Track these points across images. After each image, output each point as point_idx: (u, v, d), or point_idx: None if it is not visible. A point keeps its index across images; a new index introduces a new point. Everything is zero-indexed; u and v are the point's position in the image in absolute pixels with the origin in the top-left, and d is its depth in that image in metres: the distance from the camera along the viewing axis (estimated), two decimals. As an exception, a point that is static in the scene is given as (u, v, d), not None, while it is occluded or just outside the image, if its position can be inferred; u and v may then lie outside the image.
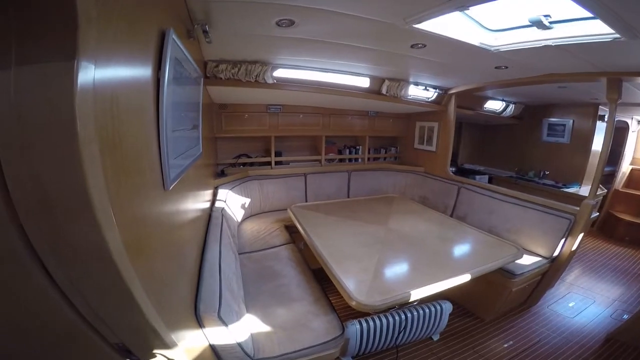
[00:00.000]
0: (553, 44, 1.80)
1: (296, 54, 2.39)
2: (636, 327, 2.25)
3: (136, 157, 0.79)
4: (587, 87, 3.07)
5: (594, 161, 4.10)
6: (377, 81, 3.20)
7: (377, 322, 1.86)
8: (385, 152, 4.62)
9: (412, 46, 2.08)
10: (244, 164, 3.71)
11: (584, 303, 2.93)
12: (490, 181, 4.72)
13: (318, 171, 3.92)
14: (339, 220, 2.80)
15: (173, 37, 1.00)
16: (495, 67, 2.51)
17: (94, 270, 0.62)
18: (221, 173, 3.44)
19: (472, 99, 4.02)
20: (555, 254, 2.58)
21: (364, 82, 3.19)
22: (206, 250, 1.74)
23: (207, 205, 2.44)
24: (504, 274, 2.34)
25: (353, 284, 1.74)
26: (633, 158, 5.00)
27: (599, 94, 3.29)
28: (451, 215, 3.54)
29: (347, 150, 4.34)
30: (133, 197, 0.75)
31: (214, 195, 2.88)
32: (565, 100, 4.10)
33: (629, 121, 4.65)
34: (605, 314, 2.75)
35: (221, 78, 2.53)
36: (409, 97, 3.50)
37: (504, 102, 4.34)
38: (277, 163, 3.78)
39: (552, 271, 2.64)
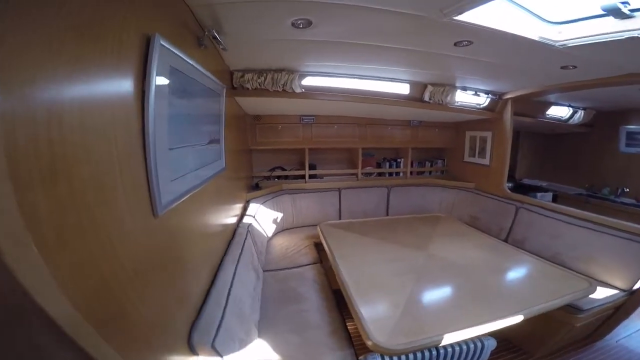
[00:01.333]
0: None
1: (322, 59, 2.22)
2: None
3: (99, 186, 0.64)
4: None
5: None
6: (418, 87, 2.91)
7: (409, 357, 1.56)
8: (431, 166, 4.24)
9: (455, 44, 1.80)
10: (279, 177, 3.60)
11: None
12: (554, 200, 4.12)
13: (354, 186, 3.68)
14: (372, 242, 2.53)
15: (162, 44, 0.86)
16: (561, 67, 2.12)
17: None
18: (255, 186, 3.36)
19: (532, 104, 3.54)
20: (637, 286, 2.09)
21: (404, 89, 2.92)
22: (220, 271, 1.62)
23: (234, 220, 2.34)
24: (567, 308, 1.92)
25: (374, 321, 1.50)
26: None
27: None
28: (506, 239, 3.08)
29: (387, 164, 4.04)
30: (88, 237, 0.60)
31: (245, 209, 2.78)
32: None
33: None
34: None
35: (248, 88, 2.44)
36: (456, 104, 3.15)
37: (570, 109, 3.78)
38: (311, 176, 3.62)
39: (630, 304, 2.15)
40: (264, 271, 2.40)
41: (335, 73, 2.57)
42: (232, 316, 1.37)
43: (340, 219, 3.52)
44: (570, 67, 2.09)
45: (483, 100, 3.24)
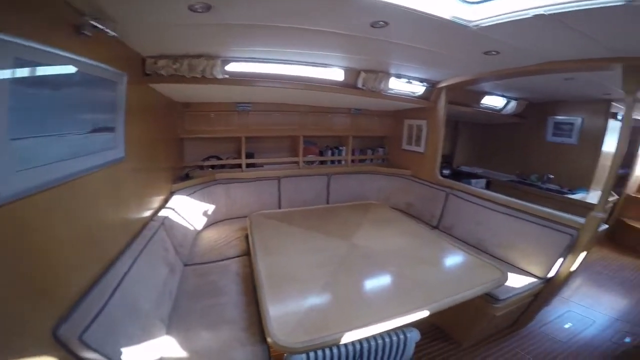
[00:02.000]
0: (546, 12, 1.42)
1: (245, 44, 2.08)
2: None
3: None
4: (599, 79, 2.67)
5: (604, 164, 3.67)
6: (352, 73, 2.84)
7: (325, 353, 1.52)
8: (373, 154, 4.26)
9: (372, 25, 1.72)
10: (213, 167, 3.42)
11: (582, 324, 2.56)
12: (488, 186, 4.32)
13: (294, 174, 3.59)
14: (300, 232, 2.46)
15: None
16: (484, 53, 2.12)
17: None
18: (185, 177, 3.15)
19: (468, 94, 3.63)
20: (551, 274, 2.20)
21: (339, 75, 2.84)
22: (112, 266, 1.49)
23: (146, 213, 2.17)
24: (486, 297, 1.98)
25: (279, 317, 1.43)
26: (649, 161, 4.51)
27: (612, 88, 2.87)
28: (437, 226, 3.18)
29: (329, 152, 4.00)
30: None
31: (166, 201, 2.59)
32: (573, 96, 3.66)
33: (644, 119, 4.17)
34: (605, 337, 2.39)
35: (163, 75, 2.24)
36: (391, 92, 3.14)
37: (504, 99, 3.92)
38: (249, 165, 3.48)
39: (546, 292, 2.28)
40: (186, 265, 2.29)
41: (264, 59, 2.43)
42: (118, 310, 1.30)
43: (280, 208, 3.43)
44: (493, 52, 2.08)
45: (419, 88, 3.26)
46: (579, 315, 2.68)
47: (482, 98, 3.76)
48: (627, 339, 2.35)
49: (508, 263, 2.44)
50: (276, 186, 3.48)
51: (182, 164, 3.27)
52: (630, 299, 2.99)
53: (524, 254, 2.37)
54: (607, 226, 2.31)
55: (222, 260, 2.43)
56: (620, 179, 4.56)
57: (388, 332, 1.53)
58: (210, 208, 3.08)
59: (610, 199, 3.57)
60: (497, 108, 4.03)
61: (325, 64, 2.66)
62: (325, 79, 2.84)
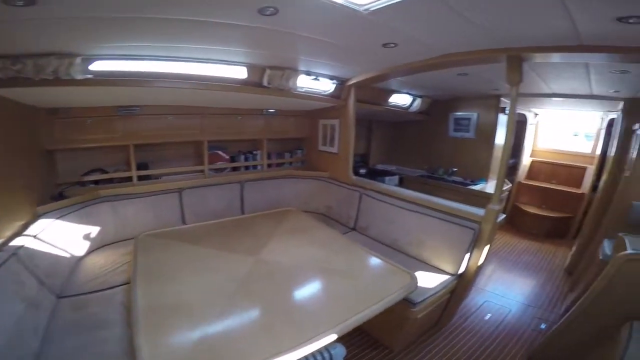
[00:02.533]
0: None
1: (112, 39, 1.76)
2: (555, 344, 2.03)
3: None
4: (489, 75, 2.85)
5: (497, 155, 4.02)
6: (256, 70, 2.60)
7: None
8: (291, 156, 4.10)
9: (260, 12, 1.50)
10: (97, 182, 2.89)
11: (500, 313, 2.71)
12: (401, 182, 4.47)
13: (200, 185, 3.23)
14: (199, 251, 2.16)
15: None
16: (383, 45, 2.05)
17: None
18: (59, 196, 2.59)
19: (376, 92, 3.68)
20: (462, 270, 2.26)
21: (241, 73, 2.59)
22: None
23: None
24: (404, 302, 1.91)
25: (156, 356, 1.18)
26: (532, 150, 5.14)
27: (500, 83, 3.10)
28: (354, 227, 3.13)
29: (242, 157, 3.71)
30: None
31: (25, 227, 2.07)
32: (469, 92, 3.94)
33: (527, 114, 4.73)
34: (523, 325, 2.55)
35: (1, 78, 1.77)
36: (300, 90, 2.99)
37: (410, 96, 4.08)
38: (143, 178, 3.02)
39: (461, 288, 2.33)
40: (60, 297, 1.91)
41: (142, 55, 2.07)
42: None
43: (185, 223, 3.04)
44: (392, 44, 2.02)
45: (329, 86, 3.17)
46: (496, 305, 2.83)
47: (390, 96, 3.85)
48: (543, 326, 2.53)
49: (422, 261, 2.46)
50: (177, 199, 3.08)
51: (55, 180, 2.70)
52: (535, 283, 3.28)
53: (435, 252, 2.40)
54: (504, 215, 2.46)
55: (106, 289, 2.02)
56: (511, 168, 5.13)
57: (313, 353, 1.34)
58: (94, 230, 2.58)
59: (505, 187, 3.94)
60: (405, 106, 4.18)
61: (227, 61, 2.40)
62: (227, 78, 2.57)
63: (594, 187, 4.18)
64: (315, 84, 3.02)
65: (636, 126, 2.67)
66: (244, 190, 3.47)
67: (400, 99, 4.04)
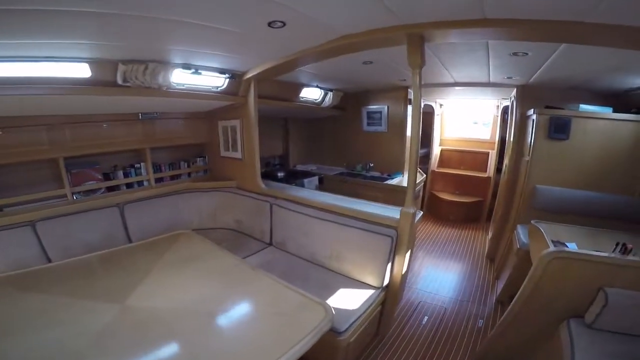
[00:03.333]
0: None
1: None
2: (498, 345, 1.89)
3: None
4: (394, 62, 2.62)
5: (410, 147, 3.97)
6: (105, 67, 1.96)
7: None
8: (189, 166, 3.41)
9: None
10: None
11: (437, 314, 2.55)
12: (321, 182, 4.14)
13: (61, 213, 2.39)
14: (47, 301, 1.46)
15: None
16: (269, 24, 1.61)
17: None
18: None
19: (284, 86, 3.25)
20: (386, 281, 1.99)
21: (83, 71, 1.90)
22: None
23: None
24: (328, 332, 1.50)
25: None
26: (441, 139, 5.32)
27: (406, 73, 2.92)
28: (270, 243, 2.66)
29: (120, 173, 2.92)
30: None
31: None
32: (378, 84, 3.74)
33: (433, 104, 4.82)
34: (461, 324, 2.41)
35: None
36: (180, 87, 2.39)
37: (321, 90, 3.74)
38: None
39: (390, 299, 2.07)
40: None
41: None
42: None
43: (50, 261, 2.19)
44: (279, 23, 1.59)
45: (220, 81, 2.63)
46: (430, 304, 2.66)
47: (301, 91, 3.46)
48: (480, 322, 2.41)
49: (344, 275, 2.15)
50: (32, 234, 2.21)
51: None
52: (463, 275, 3.23)
53: (356, 265, 2.09)
54: (421, 213, 2.26)
55: None
56: (424, 158, 5.22)
57: None
58: None
59: (420, 179, 3.90)
60: (317, 101, 3.85)
61: (66, 58, 1.79)
62: (61, 78, 1.87)
63: (498, 170, 4.42)
64: (198, 79, 2.47)
65: (530, 112, 2.73)
66: (125, 214, 2.71)
67: (311, 94, 3.69)
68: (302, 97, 3.59)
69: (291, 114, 4.31)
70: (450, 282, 3.11)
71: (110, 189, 2.85)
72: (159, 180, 3.12)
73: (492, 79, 3.01)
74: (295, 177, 4.00)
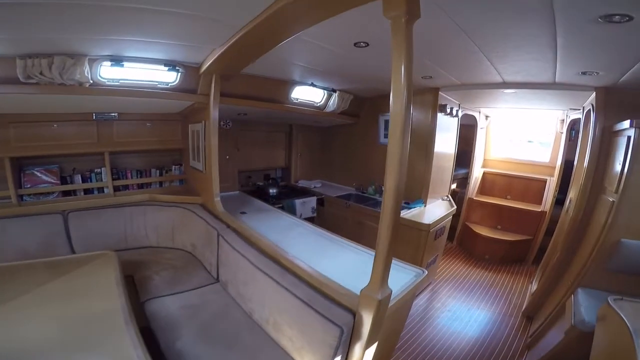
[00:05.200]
0: None
1: None
2: None
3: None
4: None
5: (439, 166, 3.12)
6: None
7: None
8: (161, 174, 2.95)
9: None
10: None
11: None
12: (321, 204, 3.44)
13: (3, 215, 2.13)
14: None
15: None
16: None
17: None
18: None
19: (268, 84, 2.64)
20: None
21: None
22: None
23: None
24: None
25: None
26: (484, 160, 4.30)
27: (429, 65, 2.14)
28: (217, 279, 2.07)
29: (78, 178, 2.54)
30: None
31: None
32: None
33: (476, 115, 3.87)
34: None
35: None
36: (109, 83, 1.93)
37: (323, 91, 3.06)
38: None
39: None
40: None
41: None
42: None
43: None
44: None
45: (168, 76, 2.13)
46: None
47: (291, 90, 2.81)
48: None
49: (282, 349, 1.46)
50: None
51: None
52: (485, 330, 2.49)
53: (295, 345, 1.38)
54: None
55: None
56: (462, 181, 4.25)
57: None
58: None
59: (447, 211, 3.01)
60: (318, 104, 3.17)
61: None
62: None
63: (558, 202, 3.39)
64: (140, 74, 2.03)
65: (621, 125, 1.78)
66: (69, 223, 2.34)
67: (309, 94, 3.02)
68: (296, 99, 2.95)
69: (296, 120, 3.68)
70: (468, 338, 2.40)
71: (66, 193, 2.52)
72: (122, 187, 2.73)
73: (558, 77, 2.07)
74: (290, 196, 3.37)
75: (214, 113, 2.17)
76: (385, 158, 2.83)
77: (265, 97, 2.69)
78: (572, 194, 2.65)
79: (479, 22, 1.36)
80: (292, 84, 2.77)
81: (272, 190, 3.36)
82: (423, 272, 1.59)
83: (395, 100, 0.98)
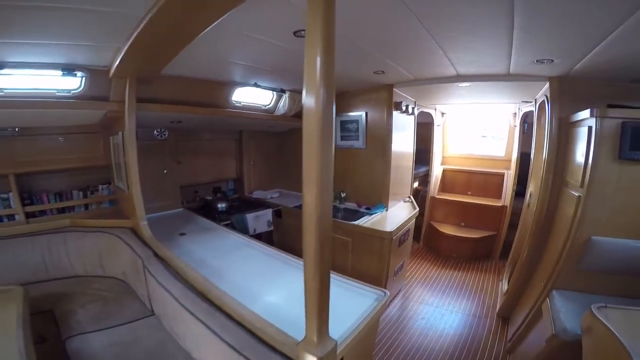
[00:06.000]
0: None
1: None
2: None
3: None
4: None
5: (397, 167, 2.94)
6: None
7: None
8: (85, 196, 2.50)
9: None
10: None
11: None
12: (279, 216, 3.15)
13: None
14: None
15: None
16: None
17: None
18: None
19: (204, 87, 2.32)
20: None
21: None
22: None
23: None
24: None
25: None
26: (443, 157, 4.24)
27: (378, 57, 1.93)
28: (152, 311, 1.74)
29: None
30: None
31: None
32: (351, 81, 2.68)
33: (432, 112, 3.78)
34: None
35: None
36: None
37: (272, 92, 2.79)
38: None
39: None
40: None
41: None
42: None
43: None
44: None
45: (76, 83, 1.77)
46: None
47: (232, 92, 2.51)
48: None
49: None
50: None
51: None
52: (461, 334, 2.36)
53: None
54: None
55: None
56: (423, 178, 4.16)
57: None
58: None
59: (408, 215, 2.84)
60: (267, 106, 2.89)
61: None
62: None
63: (517, 195, 3.39)
64: (27, 80, 1.70)
65: (581, 115, 1.67)
66: None
67: (255, 96, 2.74)
68: (238, 102, 2.65)
69: (246, 126, 3.35)
70: (447, 345, 2.28)
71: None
72: (43, 213, 2.32)
73: (513, 67, 1.96)
74: (242, 209, 3.04)
75: (129, 122, 1.84)
76: (342, 163, 2.56)
77: (202, 102, 2.38)
78: (532, 188, 2.59)
79: (430, 1, 1.16)
80: (232, 85, 2.47)
81: (221, 205, 3.02)
82: (385, 293, 1.37)
83: (309, 97, 0.73)
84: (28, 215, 2.24)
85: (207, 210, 3.02)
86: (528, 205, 2.66)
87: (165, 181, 2.84)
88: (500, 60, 1.85)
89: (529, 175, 2.74)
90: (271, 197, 3.48)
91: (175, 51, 1.49)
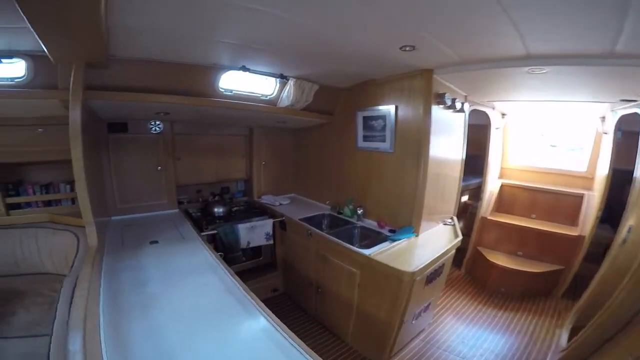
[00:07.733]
0: None
1: None
2: None
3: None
4: None
5: (434, 179, 2.31)
6: None
7: None
8: (73, 190, 2.31)
9: None
10: None
11: None
12: (283, 228, 2.70)
13: None
14: None
15: None
16: None
17: None
18: None
19: (182, 72, 1.94)
20: None
21: None
22: None
23: None
24: None
25: None
26: (501, 169, 3.42)
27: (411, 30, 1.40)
28: None
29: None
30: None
31: None
32: (375, 63, 2.02)
33: (489, 112, 3.01)
34: None
35: None
36: None
37: (275, 80, 2.35)
38: None
39: None
40: None
41: None
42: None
43: None
44: None
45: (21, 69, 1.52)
46: None
47: (217, 78, 2.10)
48: None
49: None
50: None
51: None
52: None
53: None
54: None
55: None
56: (474, 191, 3.41)
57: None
58: None
59: (451, 244, 2.17)
60: (269, 97, 2.45)
61: None
62: None
63: (602, 221, 2.58)
64: None
65: None
66: None
67: (252, 84, 2.31)
68: (229, 90, 2.23)
69: (253, 121, 2.93)
70: None
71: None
72: (28, 205, 2.20)
73: (624, 44, 1.26)
74: (241, 217, 2.65)
75: (73, 114, 1.52)
76: (366, 166, 2.02)
77: (182, 90, 1.99)
78: (633, 220, 1.80)
79: None
80: (217, 70, 2.06)
81: (218, 210, 2.65)
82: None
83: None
84: (13, 207, 2.11)
85: (205, 214, 2.68)
86: (624, 242, 1.86)
87: (159, 179, 2.55)
88: (604, 30, 1.16)
89: (628, 201, 1.94)
90: (280, 204, 3.02)
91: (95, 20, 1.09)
